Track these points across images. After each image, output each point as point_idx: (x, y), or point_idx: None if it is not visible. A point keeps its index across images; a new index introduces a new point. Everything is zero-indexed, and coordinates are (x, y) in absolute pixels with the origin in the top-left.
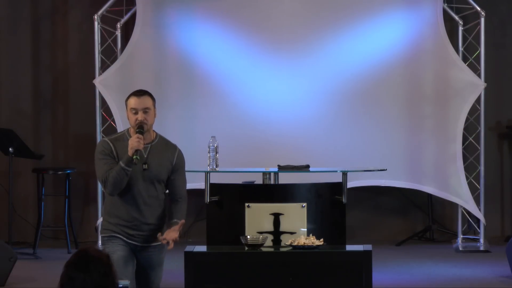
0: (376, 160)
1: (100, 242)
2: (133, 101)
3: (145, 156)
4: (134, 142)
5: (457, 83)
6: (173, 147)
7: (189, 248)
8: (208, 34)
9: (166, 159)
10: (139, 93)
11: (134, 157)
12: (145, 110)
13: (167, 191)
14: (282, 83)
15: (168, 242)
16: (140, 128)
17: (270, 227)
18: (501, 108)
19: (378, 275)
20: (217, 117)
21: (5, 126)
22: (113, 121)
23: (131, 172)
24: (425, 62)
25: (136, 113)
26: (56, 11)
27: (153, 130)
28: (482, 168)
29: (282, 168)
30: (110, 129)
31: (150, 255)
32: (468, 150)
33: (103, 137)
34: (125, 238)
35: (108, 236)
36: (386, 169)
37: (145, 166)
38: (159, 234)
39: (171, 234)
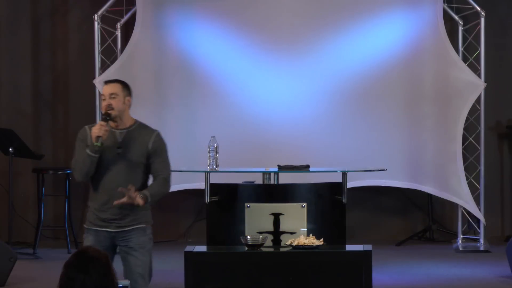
0: (376, 160)
1: None
2: (103, 89)
3: (120, 141)
4: (95, 129)
5: (457, 83)
6: (151, 131)
7: (189, 248)
8: (208, 34)
9: (142, 143)
10: (108, 81)
11: (95, 143)
12: (112, 96)
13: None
14: (282, 83)
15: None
16: (106, 115)
17: (270, 227)
18: (501, 108)
19: (378, 275)
20: (217, 117)
21: (5, 126)
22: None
23: (106, 157)
24: (425, 62)
25: (104, 99)
26: (56, 11)
27: (132, 117)
28: (482, 168)
29: (282, 168)
30: None
31: (127, 239)
32: (468, 150)
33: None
34: (98, 228)
35: (86, 229)
36: (386, 169)
37: (119, 151)
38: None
39: (132, 195)
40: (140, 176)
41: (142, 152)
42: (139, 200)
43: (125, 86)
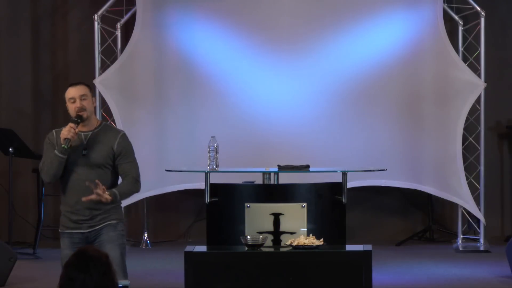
0: (376, 160)
1: None
2: (70, 91)
3: (85, 142)
4: (65, 131)
5: (457, 83)
6: (116, 132)
7: (189, 248)
8: (208, 34)
9: (107, 144)
10: (74, 83)
11: (63, 145)
12: (83, 97)
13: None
14: (282, 83)
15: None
16: (79, 117)
17: (270, 227)
18: (501, 108)
19: (378, 275)
20: (217, 117)
21: (5, 126)
22: (113, 121)
23: (72, 159)
24: (425, 62)
25: (74, 101)
26: (56, 11)
27: (97, 119)
28: (482, 168)
29: (282, 168)
30: None
31: (98, 235)
32: (468, 150)
33: None
34: (71, 230)
35: (61, 233)
36: (386, 169)
37: (84, 152)
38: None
39: (100, 191)
40: (108, 177)
41: (108, 153)
42: (106, 196)
43: (90, 88)
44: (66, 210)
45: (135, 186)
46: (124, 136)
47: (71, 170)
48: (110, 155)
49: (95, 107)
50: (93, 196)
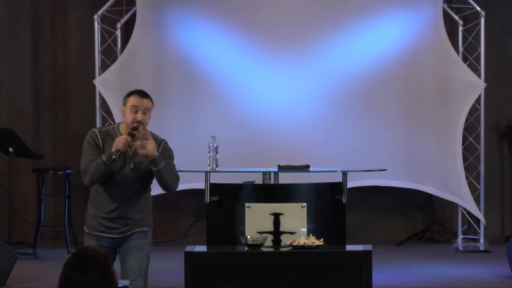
0: (376, 160)
1: None
2: (136, 100)
3: (130, 154)
4: (119, 143)
5: (457, 83)
6: (158, 142)
7: (189, 248)
8: (208, 34)
9: (165, 161)
10: (143, 93)
11: (113, 156)
12: (145, 111)
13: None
14: (282, 83)
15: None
16: (134, 129)
17: (270, 227)
18: (501, 108)
19: (378, 275)
20: (217, 117)
21: (5, 126)
22: (113, 121)
23: (118, 168)
24: (425, 62)
25: (136, 111)
26: (56, 11)
27: (145, 129)
28: (482, 168)
29: (282, 168)
30: None
31: (128, 241)
32: (468, 150)
33: None
34: (100, 233)
35: (87, 233)
36: (386, 169)
37: (131, 166)
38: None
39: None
40: (146, 185)
41: (149, 164)
42: (154, 152)
43: (153, 103)
44: (99, 214)
45: (175, 180)
46: (166, 145)
47: (116, 180)
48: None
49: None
50: (139, 144)
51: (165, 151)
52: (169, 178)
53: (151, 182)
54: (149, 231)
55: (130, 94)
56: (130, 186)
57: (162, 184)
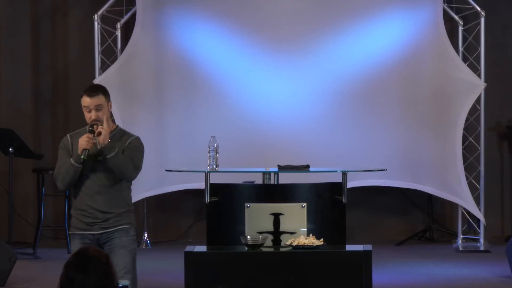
0: (376, 160)
1: None
2: (85, 100)
3: (99, 147)
4: (83, 142)
5: (457, 83)
6: (129, 136)
7: (189, 248)
8: (208, 34)
9: (120, 148)
10: (92, 90)
11: (82, 156)
12: (98, 108)
13: None
14: (282, 83)
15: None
16: (91, 127)
17: (270, 227)
18: (501, 108)
19: (378, 275)
20: (217, 117)
21: (5, 126)
22: (113, 121)
23: (87, 164)
24: (425, 62)
25: (89, 111)
26: (56, 11)
27: (113, 123)
28: (482, 168)
29: (282, 168)
30: None
31: (110, 239)
32: (468, 150)
33: None
34: (82, 231)
35: (71, 235)
36: (386, 169)
37: (100, 158)
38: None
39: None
40: (121, 181)
41: None
42: (105, 140)
43: (106, 93)
44: (77, 213)
45: (132, 168)
46: (137, 139)
47: (85, 175)
48: None
49: (110, 111)
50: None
51: (132, 143)
52: (122, 167)
53: (129, 182)
54: (131, 229)
55: (82, 94)
56: (101, 178)
57: (117, 172)
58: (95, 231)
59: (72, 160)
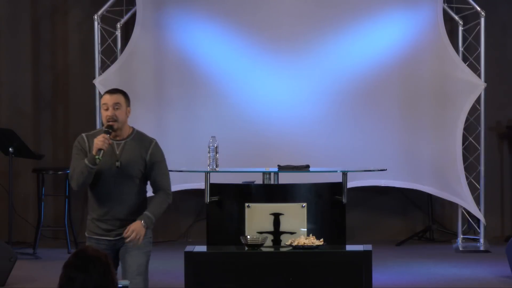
0: (376, 160)
1: None
2: (105, 97)
3: (117, 152)
4: (98, 142)
5: (457, 83)
6: (148, 142)
7: (189, 248)
8: (208, 34)
9: (139, 155)
10: (113, 90)
11: (97, 157)
12: (116, 106)
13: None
14: (282, 83)
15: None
16: (109, 127)
17: (270, 227)
18: (501, 108)
19: (378, 275)
20: (217, 117)
21: (5, 126)
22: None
23: (105, 169)
24: (425, 62)
25: (107, 109)
26: (56, 11)
27: (130, 127)
28: (482, 168)
29: (282, 168)
30: None
31: (126, 243)
32: (468, 150)
33: None
34: (98, 236)
35: (88, 237)
36: (386, 169)
37: (118, 164)
38: (125, 231)
39: (134, 230)
40: (138, 187)
41: (140, 163)
42: (141, 238)
43: (127, 96)
44: (95, 218)
45: (167, 200)
46: (156, 146)
47: (103, 180)
48: (142, 165)
49: (128, 116)
50: (127, 242)
51: (154, 156)
52: (164, 210)
53: (144, 184)
54: (148, 231)
55: (103, 95)
56: (118, 186)
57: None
58: (111, 237)
59: (86, 161)
